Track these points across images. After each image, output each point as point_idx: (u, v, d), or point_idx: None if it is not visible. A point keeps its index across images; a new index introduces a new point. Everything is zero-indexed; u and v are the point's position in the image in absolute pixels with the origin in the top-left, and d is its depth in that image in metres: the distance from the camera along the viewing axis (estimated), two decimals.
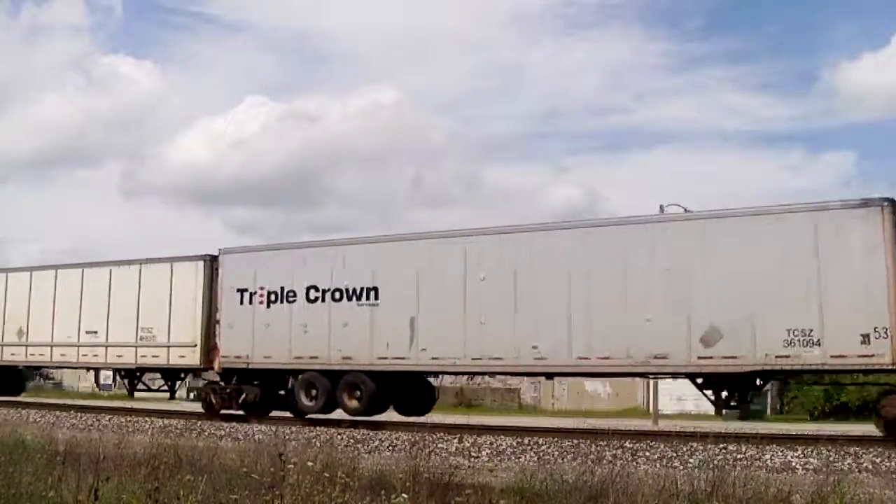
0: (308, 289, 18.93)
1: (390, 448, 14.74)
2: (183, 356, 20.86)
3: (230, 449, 12.08)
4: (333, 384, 18.38)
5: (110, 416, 20.37)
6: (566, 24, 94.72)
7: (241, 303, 19.87)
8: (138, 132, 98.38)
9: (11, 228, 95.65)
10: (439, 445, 14.49)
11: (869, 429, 15.48)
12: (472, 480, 8.98)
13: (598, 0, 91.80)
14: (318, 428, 17.22)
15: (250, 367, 19.77)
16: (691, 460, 12.79)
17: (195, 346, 20.60)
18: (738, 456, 12.67)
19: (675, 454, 13.20)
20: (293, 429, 17.13)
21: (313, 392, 18.76)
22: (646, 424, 16.19)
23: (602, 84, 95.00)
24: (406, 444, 14.60)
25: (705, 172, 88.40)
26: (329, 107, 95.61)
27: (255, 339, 19.62)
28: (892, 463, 11.99)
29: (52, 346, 23.29)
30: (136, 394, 23.30)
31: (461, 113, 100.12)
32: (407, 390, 18.81)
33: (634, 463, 12.70)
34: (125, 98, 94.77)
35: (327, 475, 7.35)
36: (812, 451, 12.79)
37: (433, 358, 17.35)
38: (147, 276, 21.61)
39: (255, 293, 19.66)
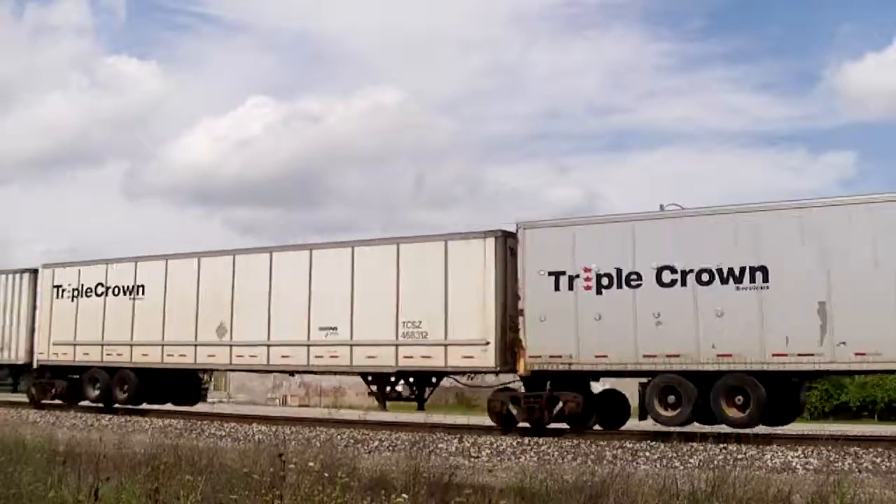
0: (660, 270, 15.13)
1: (390, 448, 14.74)
2: (469, 356, 16.76)
3: (230, 449, 12.09)
4: (704, 388, 14.66)
5: (110, 416, 20.35)
6: (567, 24, 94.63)
7: (557, 289, 15.96)
8: (141, 132, 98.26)
9: (13, 228, 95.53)
10: (439, 445, 14.49)
11: (869, 429, 15.46)
12: (472, 480, 8.97)
13: (599, 0, 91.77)
14: (318, 428, 17.21)
15: (573, 368, 15.85)
16: (691, 460, 12.80)
17: (486, 343, 16.54)
18: (738, 456, 12.68)
19: (675, 454, 13.21)
20: (293, 429, 17.13)
21: (670, 399, 15.00)
22: (646, 424, 16.12)
23: (603, 84, 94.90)
24: (406, 444, 14.60)
25: (706, 173, 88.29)
26: (331, 107, 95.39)
27: (580, 335, 15.69)
28: (892, 463, 12.00)
29: (268, 346, 19.27)
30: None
31: (463, 113, 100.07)
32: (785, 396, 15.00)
33: (634, 463, 12.71)
34: (128, 98, 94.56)
35: (327, 475, 7.35)
36: (812, 451, 12.79)
37: (857, 354, 13.58)
38: (410, 257, 17.67)
39: (578, 276, 15.81)
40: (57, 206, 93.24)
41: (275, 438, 14.64)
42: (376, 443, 15.32)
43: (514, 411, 16.44)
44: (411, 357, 17.23)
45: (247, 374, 29.01)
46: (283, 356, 19.01)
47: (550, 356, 15.90)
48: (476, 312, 16.64)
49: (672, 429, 14.95)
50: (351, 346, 17.92)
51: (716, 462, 12.00)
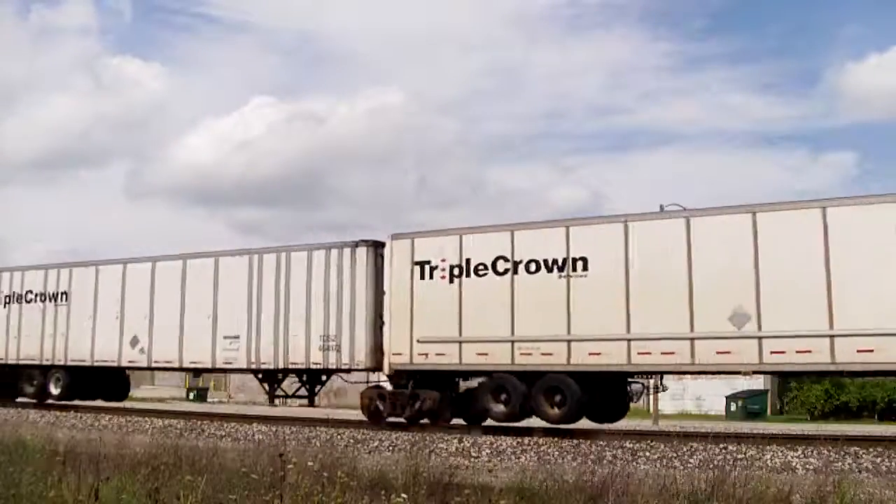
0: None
1: (390, 448, 14.74)
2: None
3: (230, 449, 12.08)
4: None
5: (110, 416, 20.37)
6: (568, 25, 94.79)
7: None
8: (143, 133, 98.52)
9: (15, 229, 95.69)
10: (439, 445, 14.49)
11: (869, 429, 15.47)
12: (472, 480, 8.97)
13: (601, 0, 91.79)
14: (318, 428, 17.22)
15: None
16: (691, 460, 12.80)
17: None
18: (738, 456, 12.67)
19: (675, 454, 13.21)
20: (293, 429, 17.14)
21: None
22: (646, 424, 16.17)
23: (604, 84, 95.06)
24: (406, 444, 14.60)
25: (707, 173, 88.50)
26: (333, 108, 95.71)
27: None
28: (892, 463, 12.00)
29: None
30: None
31: (464, 113, 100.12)
32: None
33: (634, 463, 12.70)
34: (131, 99, 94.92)
35: (327, 475, 7.35)
36: (812, 451, 12.79)
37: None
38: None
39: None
40: (58, 207, 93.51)
41: (275, 438, 14.65)
42: (376, 443, 15.32)
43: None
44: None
45: (248, 374, 29.09)
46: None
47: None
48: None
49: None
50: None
51: (716, 462, 11.99)
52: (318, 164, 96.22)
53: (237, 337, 19.82)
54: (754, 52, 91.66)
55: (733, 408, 35.81)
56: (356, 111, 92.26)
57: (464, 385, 18.03)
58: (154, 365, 21.96)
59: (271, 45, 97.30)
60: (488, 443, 14.89)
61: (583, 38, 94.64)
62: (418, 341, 17.19)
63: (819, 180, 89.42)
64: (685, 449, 13.38)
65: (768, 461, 12.43)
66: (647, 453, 13.43)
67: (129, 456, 10.23)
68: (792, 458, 12.53)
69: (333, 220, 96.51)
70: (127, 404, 24.44)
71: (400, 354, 17.44)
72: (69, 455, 9.89)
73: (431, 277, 17.26)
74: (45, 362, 23.23)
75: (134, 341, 21.64)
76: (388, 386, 18.42)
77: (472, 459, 13.19)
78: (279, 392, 20.55)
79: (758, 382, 36.17)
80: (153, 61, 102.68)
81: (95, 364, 22.37)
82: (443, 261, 17.12)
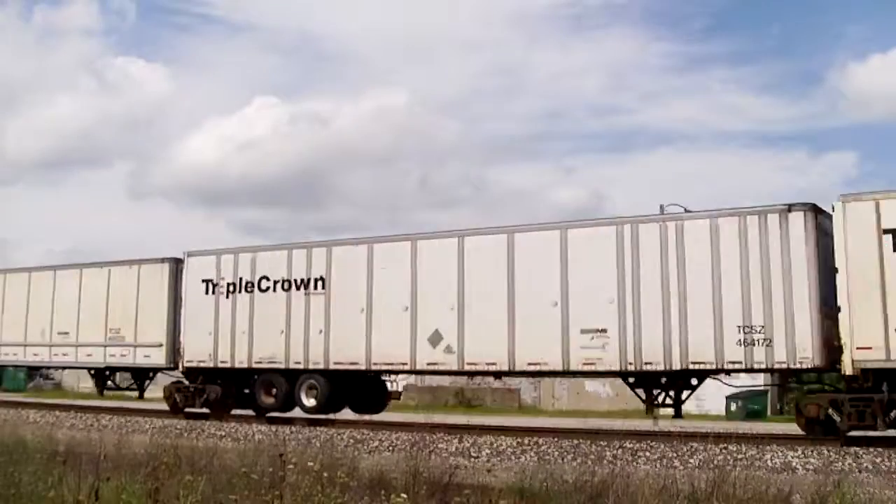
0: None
1: (390, 448, 14.74)
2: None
3: (230, 449, 12.09)
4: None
5: (110, 416, 20.37)
6: (569, 25, 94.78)
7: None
8: (147, 133, 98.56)
9: (17, 229, 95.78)
10: (439, 445, 14.49)
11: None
12: (472, 480, 8.97)
13: (602, 1, 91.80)
14: (318, 428, 17.22)
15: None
16: (691, 460, 12.80)
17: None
18: (738, 456, 12.67)
19: (675, 454, 13.20)
20: (293, 429, 17.14)
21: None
22: (646, 424, 16.15)
23: (605, 85, 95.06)
24: (406, 444, 14.60)
25: (708, 173, 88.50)
26: (336, 108, 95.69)
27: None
28: (893, 463, 11.99)
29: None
30: None
31: (466, 114, 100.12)
32: None
33: (634, 463, 12.71)
34: (134, 99, 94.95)
35: (327, 475, 7.35)
36: (812, 451, 12.79)
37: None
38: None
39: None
40: (60, 207, 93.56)
41: (275, 438, 14.64)
42: (376, 443, 15.32)
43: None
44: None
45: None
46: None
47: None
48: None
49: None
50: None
51: (716, 462, 11.99)
52: (320, 164, 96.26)
53: (603, 331, 15.52)
54: (755, 52, 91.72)
55: (733, 408, 35.70)
56: (358, 112, 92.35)
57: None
58: (467, 368, 17.27)
59: (272, 46, 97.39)
60: (488, 443, 14.89)
61: (583, 38, 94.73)
62: None
63: (819, 180, 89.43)
64: (685, 449, 13.38)
65: (768, 461, 12.43)
66: (647, 453, 13.43)
67: (129, 456, 10.22)
68: (792, 458, 12.53)
69: (334, 221, 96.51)
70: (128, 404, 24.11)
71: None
72: (69, 455, 9.89)
73: None
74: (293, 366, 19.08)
75: (435, 338, 17.19)
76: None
77: (472, 459, 13.20)
78: (661, 401, 15.83)
79: (758, 383, 36.16)
80: (156, 62, 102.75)
81: (373, 367, 18.17)
82: None
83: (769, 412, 38.31)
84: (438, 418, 17.76)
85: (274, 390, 19.26)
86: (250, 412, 20.14)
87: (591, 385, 38.43)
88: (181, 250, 21.49)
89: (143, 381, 23.10)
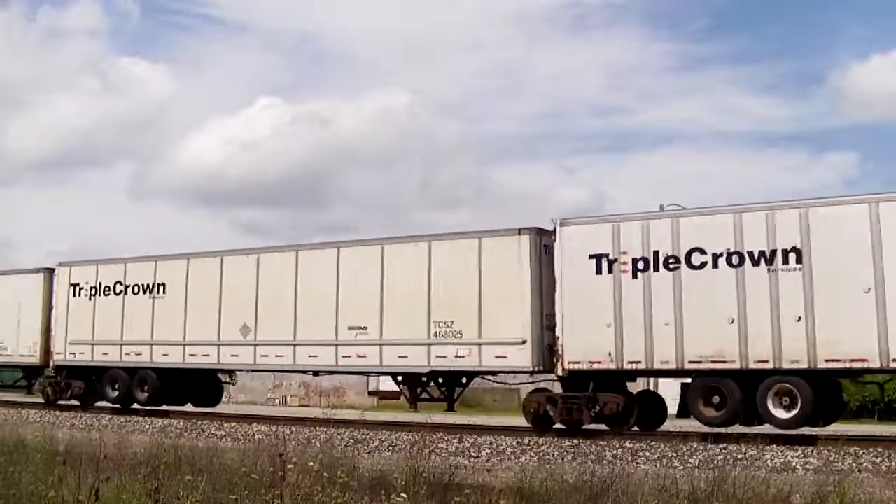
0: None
1: (390, 448, 14.74)
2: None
3: (230, 449, 12.08)
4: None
5: (110, 416, 20.36)
6: (569, 25, 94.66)
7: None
8: (149, 134, 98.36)
9: (17, 229, 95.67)
10: (439, 445, 14.48)
11: (869, 429, 15.47)
12: (472, 480, 8.97)
13: (602, 1, 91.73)
14: (318, 428, 17.21)
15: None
16: (691, 460, 12.79)
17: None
18: (738, 456, 12.67)
19: (675, 454, 13.20)
20: (293, 429, 17.13)
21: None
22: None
23: (605, 85, 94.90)
24: (406, 444, 14.59)
25: (708, 173, 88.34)
26: (338, 109, 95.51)
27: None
28: (892, 463, 11.99)
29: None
30: None
31: (466, 114, 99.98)
32: None
33: (634, 463, 12.70)
34: (137, 100, 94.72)
35: (327, 475, 7.35)
36: (812, 451, 12.79)
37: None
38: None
39: None
40: (62, 207, 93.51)
41: (275, 438, 14.63)
42: (376, 443, 15.32)
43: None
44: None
45: (248, 374, 28.93)
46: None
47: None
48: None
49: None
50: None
51: (716, 462, 12.00)
52: (321, 164, 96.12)
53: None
54: (755, 52, 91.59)
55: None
56: (360, 112, 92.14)
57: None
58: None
59: (273, 46, 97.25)
60: (488, 443, 14.89)
61: (584, 38, 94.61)
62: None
63: (819, 180, 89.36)
64: (685, 449, 13.37)
65: (768, 461, 12.42)
66: (647, 453, 13.43)
67: (129, 456, 10.23)
68: (792, 458, 12.52)
69: (336, 221, 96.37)
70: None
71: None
72: (69, 455, 9.90)
73: None
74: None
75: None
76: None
77: (472, 459, 13.20)
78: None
79: None
80: (159, 62, 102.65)
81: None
82: None
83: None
84: (439, 418, 17.74)
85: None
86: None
87: None
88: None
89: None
